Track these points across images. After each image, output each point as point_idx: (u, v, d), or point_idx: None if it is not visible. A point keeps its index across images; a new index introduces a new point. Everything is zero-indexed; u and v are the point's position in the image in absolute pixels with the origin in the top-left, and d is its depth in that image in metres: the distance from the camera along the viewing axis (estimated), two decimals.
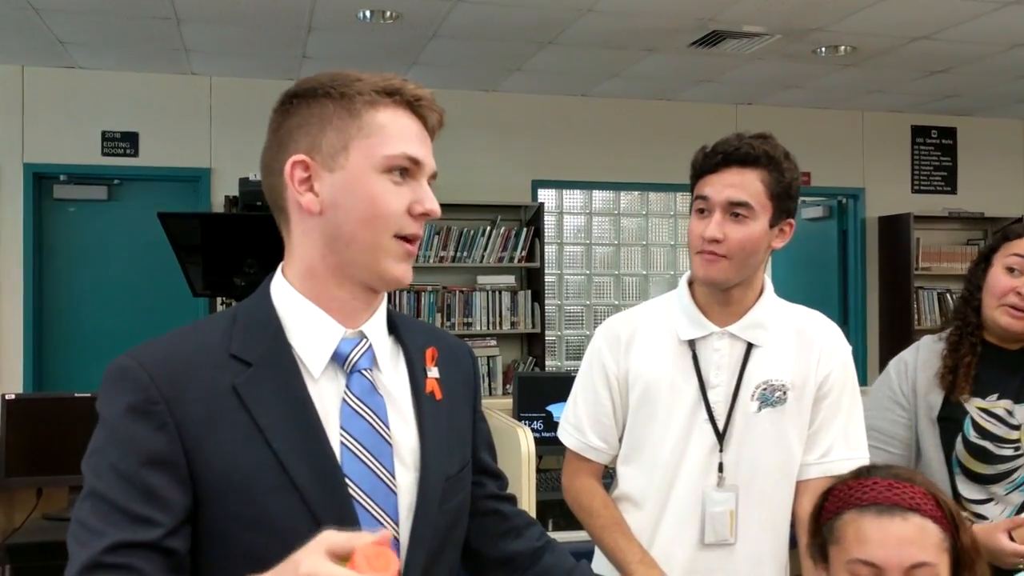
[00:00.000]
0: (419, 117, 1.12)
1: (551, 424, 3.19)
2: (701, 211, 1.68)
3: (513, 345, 6.26)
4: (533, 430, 2.96)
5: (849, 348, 1.78)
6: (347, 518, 1.03)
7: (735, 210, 1.64)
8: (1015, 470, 1.89)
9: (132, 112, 5.71)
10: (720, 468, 1.69)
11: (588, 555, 1.77)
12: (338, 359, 1.09)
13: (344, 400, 1.08)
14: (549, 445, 3.08)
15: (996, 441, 1.88)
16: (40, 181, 5.64)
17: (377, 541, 0.81)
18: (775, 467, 1.71)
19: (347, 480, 1.05)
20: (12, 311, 5.53)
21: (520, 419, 3.18)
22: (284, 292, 1.11)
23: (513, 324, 6.06)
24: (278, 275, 1.13)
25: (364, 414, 1.08)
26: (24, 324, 5.54)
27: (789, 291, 7.46)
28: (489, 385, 5.97)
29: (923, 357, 2.00)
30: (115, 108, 5.69)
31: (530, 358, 6.19)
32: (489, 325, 6.01)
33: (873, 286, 6.97)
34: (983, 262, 1.98)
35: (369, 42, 5.07)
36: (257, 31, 4.91)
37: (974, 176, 7.13)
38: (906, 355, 2.05)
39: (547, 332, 6.30)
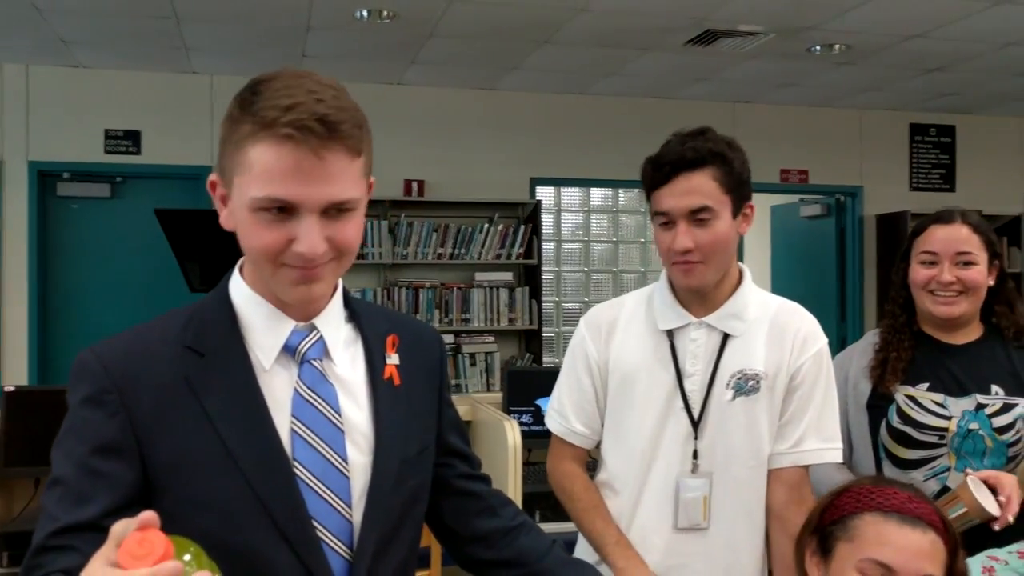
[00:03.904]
0: (302, 146, 1.01)
1: (540, 418, 3.23)
2: (664, 223, 1.69)
3: (511, 342, 6.31)
4: (522, 424, 3.00)
5: (825, 340, 1.79)
6: (292, 500, 1.08)
7: (697, 216, 1.65)
8: (936, 458, 1.93)
9: (134, 110, 5.78)
10: (695, 455, 1.72)
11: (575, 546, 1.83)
12: (289, 350, 1.14)
13: (296, 389, 1.13)
14: (538, 438, 3.13)
15: (918, 427, 1.93)
16: (44, 178, 5.72)
17: (138, 527, 0.82)
18: (748, 455, 1.73)
19: (298, 465, 1.10)
20: (17, 306, 5.61)
21: (509, 413, 3.23)
22: (240, 288, 1.16)
23: (511, 321, 6.11)
24: (236, 272, 1.18)
25: (314, 402, 1.13)
26: (28, 319, 5.62)
27: (787, 289, 7.46)
28: (487, 381, 6.02)
29: (860, 347, 2.07)
30: (118, 106, 5.76)
31: (528, 354, 6.24)
32: (487, 322, 6.06)
33: (871, 284, 7.00)
34: (903, 261, 2.06)
35: (367, 41, 5.13)
36: (257, 30, 4.97)
37: (973, 174, 7.16)
38: (848, 348, 2.13)
39: (544, 329, 6.34)
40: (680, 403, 1.73)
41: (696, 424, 1.73)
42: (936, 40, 5.11)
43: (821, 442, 1.75)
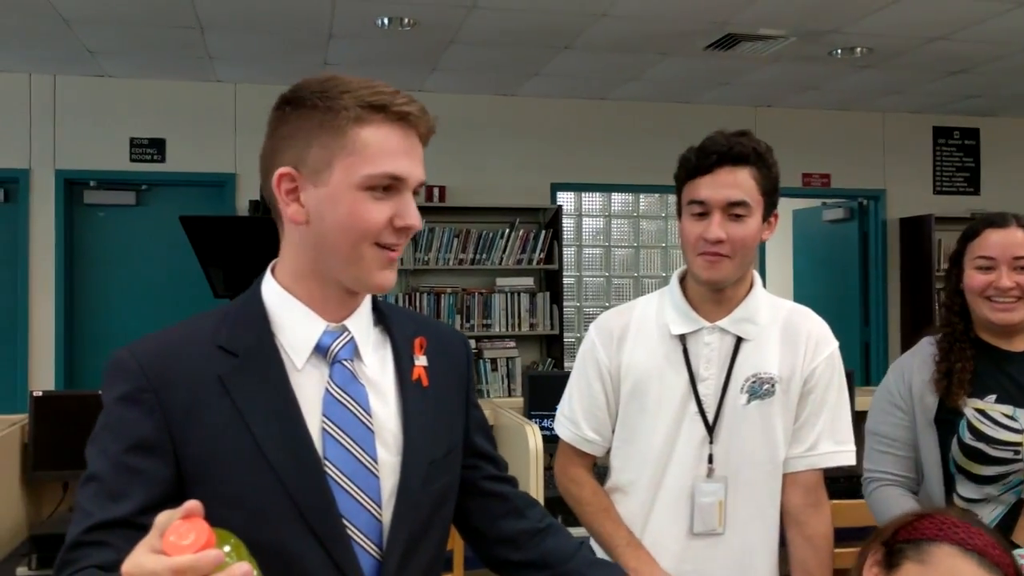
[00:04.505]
0: (407, 128, 1.13)
1: None
2: (698, 214, 1.69)
3: (532, 347, 6.31)
4: (543, 428, 3.01)
5: (836, 343, 1.81)
6: (323, 498, 1.10)
7: (734, 210, 1.66)
8: (1011, 473, 1.86)
9: (159, 119, 5.85)
10: (710, 459, 1.73)
11: None
12: (320, 351, 1.16)
13: (327, 389, 1.15)
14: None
15: (991, 443, 1.87)
16: (71, 187, 5.80)
17: (182, 516, 0.83)
18: (763, 458, 1.74)
19: (329, 464, 1.11)
20: (45, 312, 5.70)
21: (530, 417, 3.23)
22: (273, 290, 1.18)
23: (532, 326, 6.12)
24: (268, 274, 1.20)
25: (345, 402, 1.15)
26: (56, 324, 5.70)
27: (809, 293, 7.41)
28: (508, 386, 6.03)
29: (919, 360, 2.00)
30: (143, 115, 5.84)
31: (549, 360, 6.25)
32: (508, 327, 6.07)
33: (894, 288, 6.95)
34: (955, 267, 2.00)
35: (388, 48, 5.17)
36: (279, 39, 5.02)
37: (997, 177, 7.09)
38: (905, 358, 2.06)
39: (566, 334, 6.34)
40: (694, 407, 1.74)
41: (711, 428, 1.73)
42: (959, 42, 5.07)
43: (835, 445, 1.77)
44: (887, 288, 6.94)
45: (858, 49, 5.20)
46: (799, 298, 7.45)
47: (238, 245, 3.36)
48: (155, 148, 5.86)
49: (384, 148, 1.11)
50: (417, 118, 1.14)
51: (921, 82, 6.03)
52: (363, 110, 1.10)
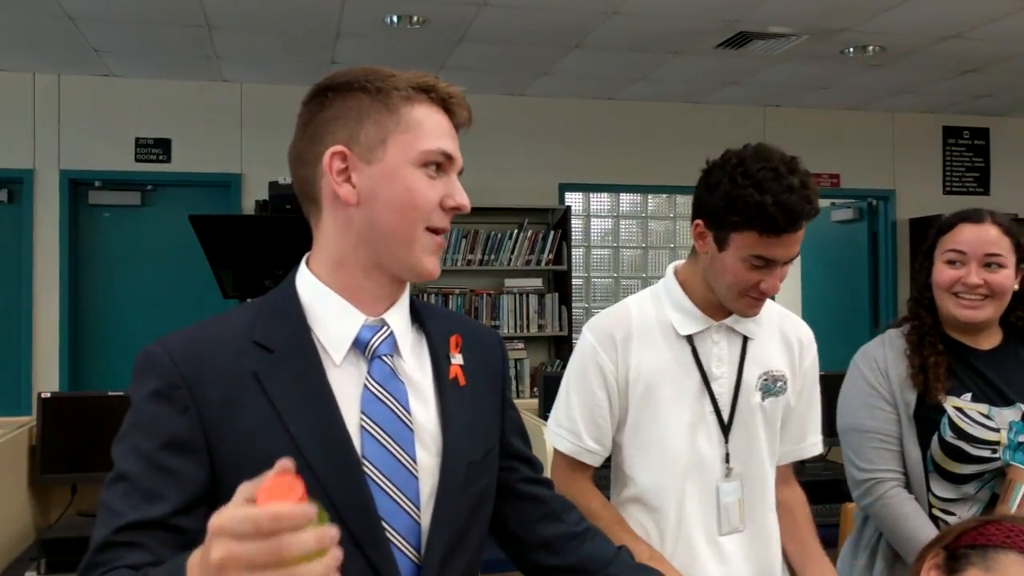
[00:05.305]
0: (449, 114, 1.15)
1: None
2: (758, 266, 1.63)
3: (540, 348, 6.28)
4: None
5: (815, 344, 1.89)
6: (362, 498, 1.05)
7: (792, 261, 1.68)
8: (987, 471, 1.85)
9: (165, 119, 5.82)
10: (727, 459, 1.73)
11: None
12: (359, 346, 1.11)
13: (365, 385, 1.10)
14: None
15: (972, 442, 1.84)
16: (76, 187, 5.77)
17: (277, 474, 0.79)
18: (768, 453, 1.77)
19: (367, 463, 1.07)
20: (49, 313, 5.66)
21: (545, 419, 3.19)
22: (309, 282, 1.14)
23: (540, 327, 6.09)
24: (303, 266, 1.16)
25: (385, 399, 1.10)
26: (60, 325, 5.66)
27: (818, 295, 7.38)
28: (517, 387, 5.99)
29: (893, 354, 1.96)
30: (148, 115, 5.80)
31: (557, 360, 6.21)
32: (516, 328, 6.04)
33: (904, 289, 6.90)
34: (926, 260, 1.96)
35: (397, 47, 5.13)
36: (286, 38, 4.98)
37: (1008, 177, 7.06)
38: (873, 349, 2.00)
39: (574, 335, 6.29)
40: (709, 407, 1.73)
41: (727, 428, 1.73)
42: (971, 41, 5.04)
43: (815, 436, 1.87)
44: (897, 289, 6.90)
45: (870, 48, 5.16)
46: (808, 299, 7.44)
47: (249, 245, 3.31)
48: (160, 148, 5.83)
49: (436, 127, 1.13)
50: (459, 104, 1.16)
51: (932, 82, 5.99)
52: (413, 90, 1.12)
